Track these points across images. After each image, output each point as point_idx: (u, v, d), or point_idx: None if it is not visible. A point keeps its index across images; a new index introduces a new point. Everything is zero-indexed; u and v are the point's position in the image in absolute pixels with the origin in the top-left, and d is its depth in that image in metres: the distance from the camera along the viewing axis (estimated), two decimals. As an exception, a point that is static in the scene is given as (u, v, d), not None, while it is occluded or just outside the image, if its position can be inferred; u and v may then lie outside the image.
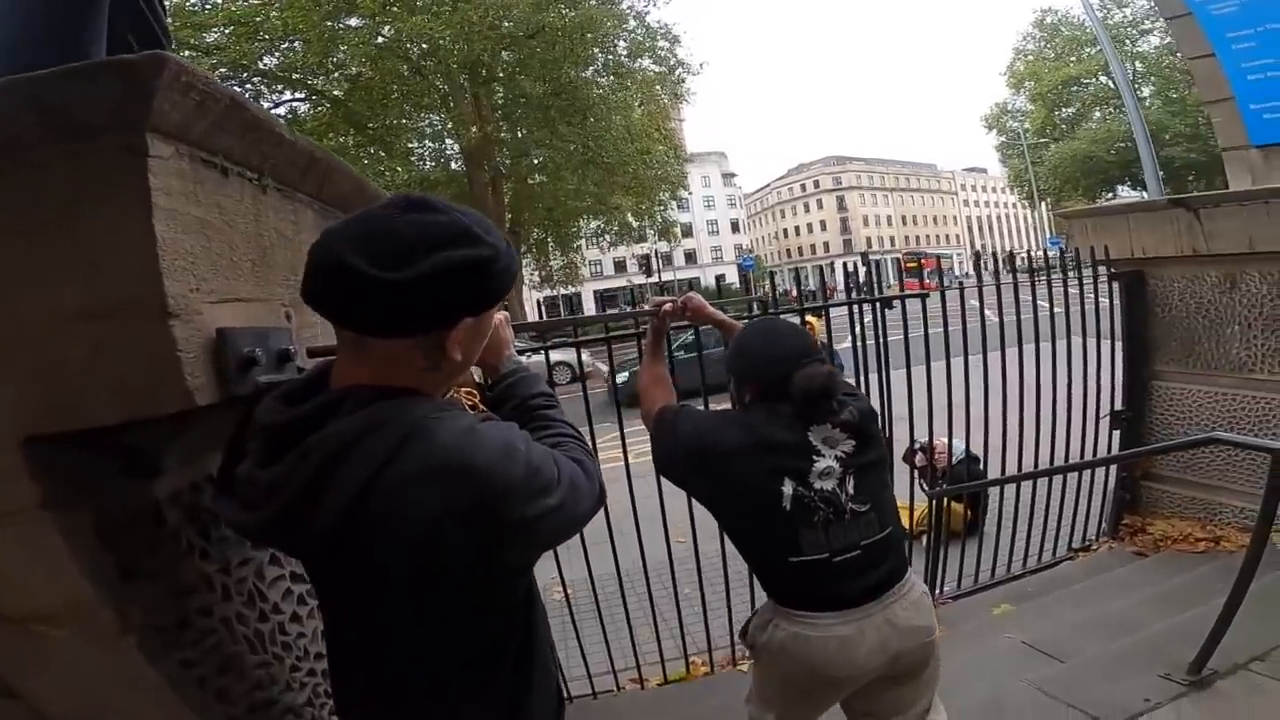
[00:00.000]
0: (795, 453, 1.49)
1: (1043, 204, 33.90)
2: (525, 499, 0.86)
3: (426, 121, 19.27)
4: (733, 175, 70.68)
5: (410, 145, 18.99)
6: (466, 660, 0.96)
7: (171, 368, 0.92)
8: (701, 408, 1.91)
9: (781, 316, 2.85)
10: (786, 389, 1.49)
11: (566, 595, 2.89)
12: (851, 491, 1.49)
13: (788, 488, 1.47)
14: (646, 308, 1.98)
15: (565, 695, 1.24)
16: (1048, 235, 33.40)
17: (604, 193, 19.11)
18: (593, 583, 2.87)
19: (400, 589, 0.87)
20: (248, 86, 15.75)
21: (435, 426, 0.84)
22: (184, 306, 0.94)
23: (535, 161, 19.41)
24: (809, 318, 3.09)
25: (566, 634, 2.95)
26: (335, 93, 17.26)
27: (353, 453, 0.81)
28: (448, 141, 19.82)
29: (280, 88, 17.33)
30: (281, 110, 16.92)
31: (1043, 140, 30.82)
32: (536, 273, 25.21)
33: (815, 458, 1.48)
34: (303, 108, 17.71)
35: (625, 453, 2.68)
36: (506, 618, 0.99)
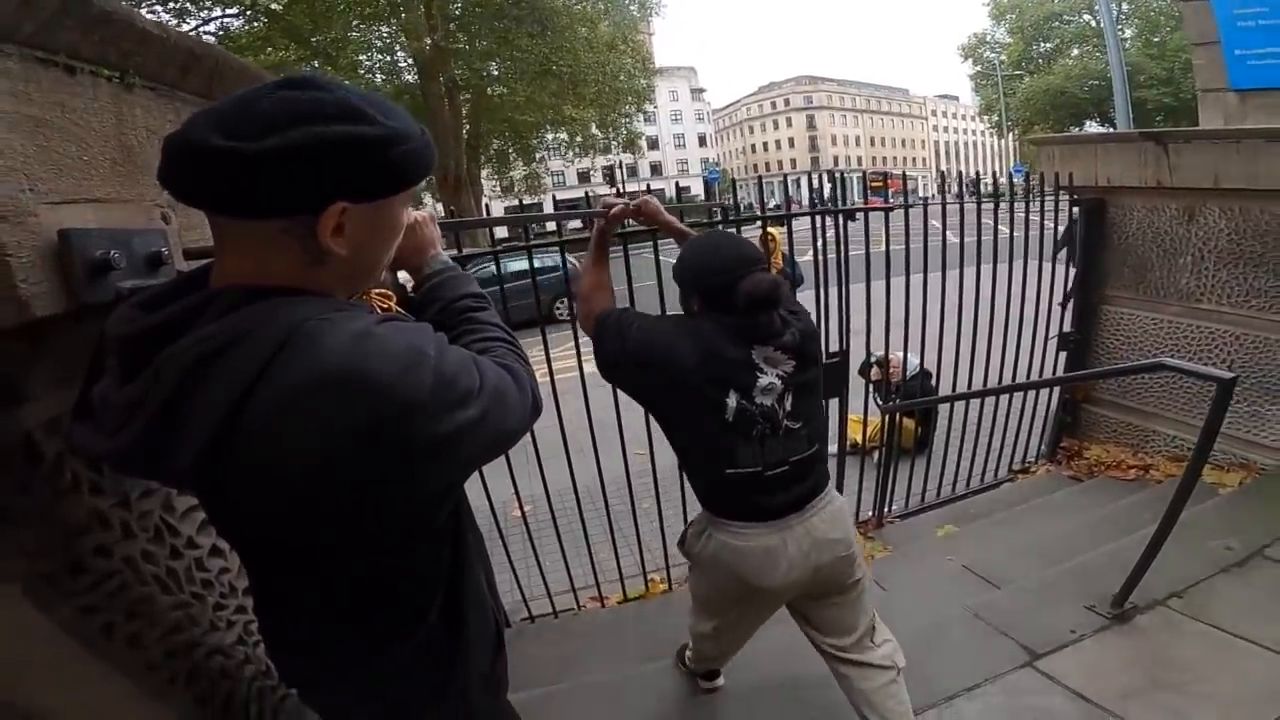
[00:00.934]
0: (740, 367, 1.51)
1: (1010, 134, 34.04)
2: (436, 414, 0.72)
3: (375, 33, 18.03)
4: (702, 91, 69.07)
5: (357, 58, 17.78)
6: (391, 598, 0.89)
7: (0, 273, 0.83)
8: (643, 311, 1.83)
9: (735, 229, 2.80)
10: (732, 298, 1.49)
11: (523, 512, 2.84)
12: (788, 409, 1.54)
13: (732, 400, 1.50)
14: (598, 208, 1.86)
15: (506, 624, 1.19)
16: (1013, 163, 33.66)
17: (565, 105, 18.41)
18: (549, 500, 2.80)
19: (297, 527, 0.77)
20: (171, 4, 14.43)
21: (319, 331, 0.69)
22: (11, 208, 0.85)
23: (494, 72, 18.47)
24: (772, 229, 3.03)
25: (526, 553, 2.92)
26: (273, 6, 15.92)
27: (215, 366, 0.68)
28: (400, 54, 18.66)
29: (208, 4, 15.81)
30: (211, 28, 15.65)
31: (1018, 73, 31.06)
32: (497, 183, 24.49)
33: (759, 374, 1.52)
34: (236, 23, 16.34)
35: (581, 363, 2.60)
36: (431, 549, 0.91)
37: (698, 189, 49.95)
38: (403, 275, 1.18)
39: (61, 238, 0.91)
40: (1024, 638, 2.28)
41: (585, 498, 2.89)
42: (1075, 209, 4.00)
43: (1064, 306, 4.11)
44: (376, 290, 1.15)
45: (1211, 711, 1.91)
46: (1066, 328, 4.17)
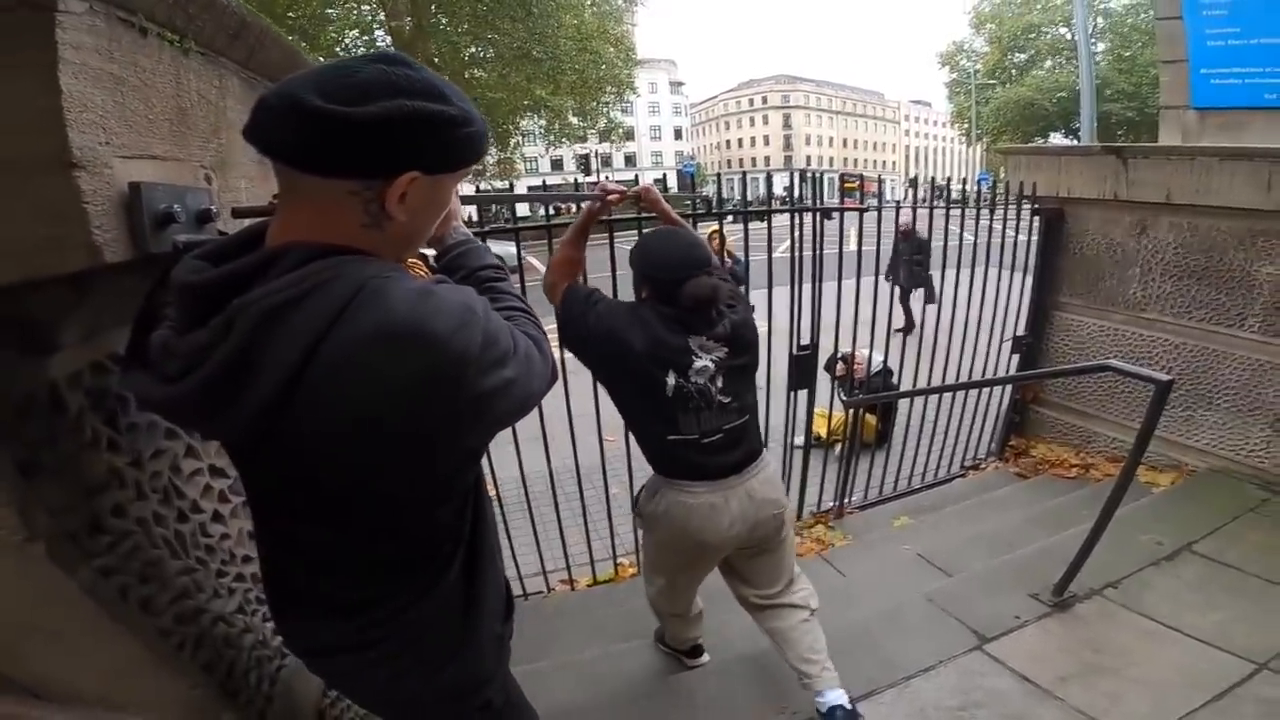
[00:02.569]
0: (679, 352, 1.73)
1: (979, 143, 34.63)
2: (483, 370, 0.78)
3: (356, 12, 17.59)
4: (681, 84, 68.95)
5: (335, 36, 17.32)
6: (417, 555, 0.92)
7: (77, 220, 0.86)
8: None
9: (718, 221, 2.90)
10: (676, 295, 1.71)
11: (498, 494, 2.87)
12: (720, 386, 1.76)
13: (670, 378, 1.72)
14: (596, 190, 1.94)
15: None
16: (979, 171, 34.31)
17: (543, 91, 18.15)
18: (524, 482, 2.84)
19: (346, 475, 0.80)
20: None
21: (385, 287, 0.74)
22: (92, 159, 0.88)
23: (474, 53, 18.14)
24: (712, 226, 3.13)
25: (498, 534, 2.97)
26: None
27: (291, 316, 0.72)
28: (378, 32, 18.20)
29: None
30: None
31: (991, 82, 31.31)
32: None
33: (694, 358, 1.74)
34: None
35: (561, 352, 2.65)
36: (459, 507, 0.95)
37: (672, 181, 49.98)
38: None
39: (132, 189, 0.95)
40: (974, 622, 2.41)
41: (558, 482, 2.94)
42: (1037, 218, 4.17)
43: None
44: (409, 260, 1.20)
45: (1143, 695, 2.04)
46: (1021, 331, 4.34)
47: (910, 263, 6.21)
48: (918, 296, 6.52)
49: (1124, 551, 2.72)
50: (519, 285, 2.00)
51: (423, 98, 0.75)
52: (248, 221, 1.07)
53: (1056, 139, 27.70)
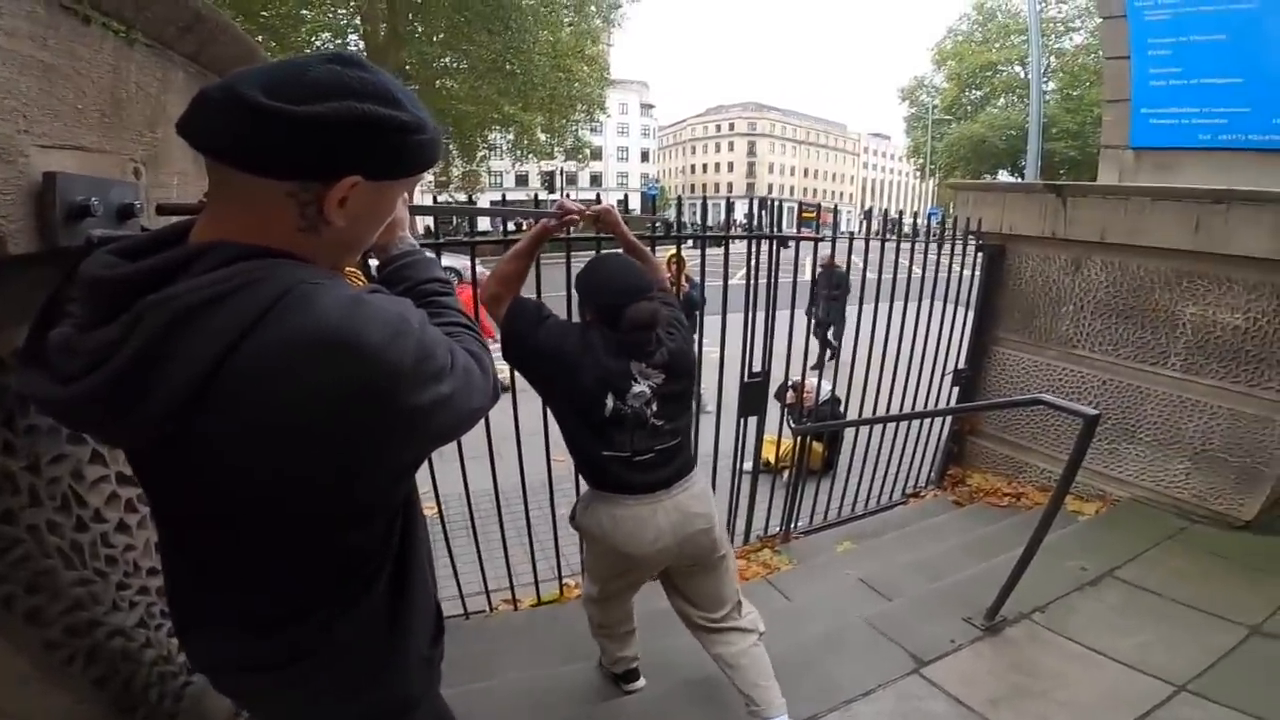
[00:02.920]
0: (618, 376, 1.79)
1: (932, 178, 35.69)
2: (416, 384, 0.74)
3: (330, 14, 17.38)
4: (652, 106, 69.38)
5: (307, 37, 17.06)
6: (336, 575, 0.87)
7: None
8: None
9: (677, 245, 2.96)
10: (618, 318, 1.77)
11: (440, 512, 2.83)
12: (655, 410, 1.83)
13: (609, 400, 1.79)
14: (554, 207, 1.95)
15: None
16: (932, 205, 35.37)
17: (512, 107, 18.12)
18: (469, 499, 2.82)
19: (259, 490, 0.75)
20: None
21: (315, 292, 0.70)
22: (5, 146, 0.86)
23: (446, 63, 18.06)
24: (671, 250, 3.18)
25: (439, 552, 2.85)
26: None
27: (209, 315, 0.67)
28: (351, 36, 17.99)
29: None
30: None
31: (948, 118, 32.10)
32: (433, 178, 23.91)
33: (633, 383, 1.80)
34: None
35: (513, 373, 2.64)
36: (386, 524, 0.90)
37: (634, 203, 50.33)
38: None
39: (47, 179, 0.92)
40: (912, 646, 2.47)
41: (504, 501, 2.90)
42: (980, 253, 4.32)
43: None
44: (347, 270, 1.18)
45: (1070, 718, 2.12)
46: (961, 365, 4.48)
47: (828, 297, 6.29)
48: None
49: (1052, 577, 2.81)
50: (473, 298, 2.01)
51: (373, 100, 0.73)
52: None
53: (1004, 176, 28.65)
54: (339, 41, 17.84)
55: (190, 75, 1.37)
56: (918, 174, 40.91)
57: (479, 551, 2.98)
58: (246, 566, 0.83)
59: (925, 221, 4.34)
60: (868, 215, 4.10)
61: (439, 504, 2.80)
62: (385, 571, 0.91)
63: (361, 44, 17.49)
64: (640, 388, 1.81)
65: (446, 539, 2.86)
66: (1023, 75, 28.65)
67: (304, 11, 16.33)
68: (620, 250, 2.05)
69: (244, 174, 0.71)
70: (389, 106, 0.74)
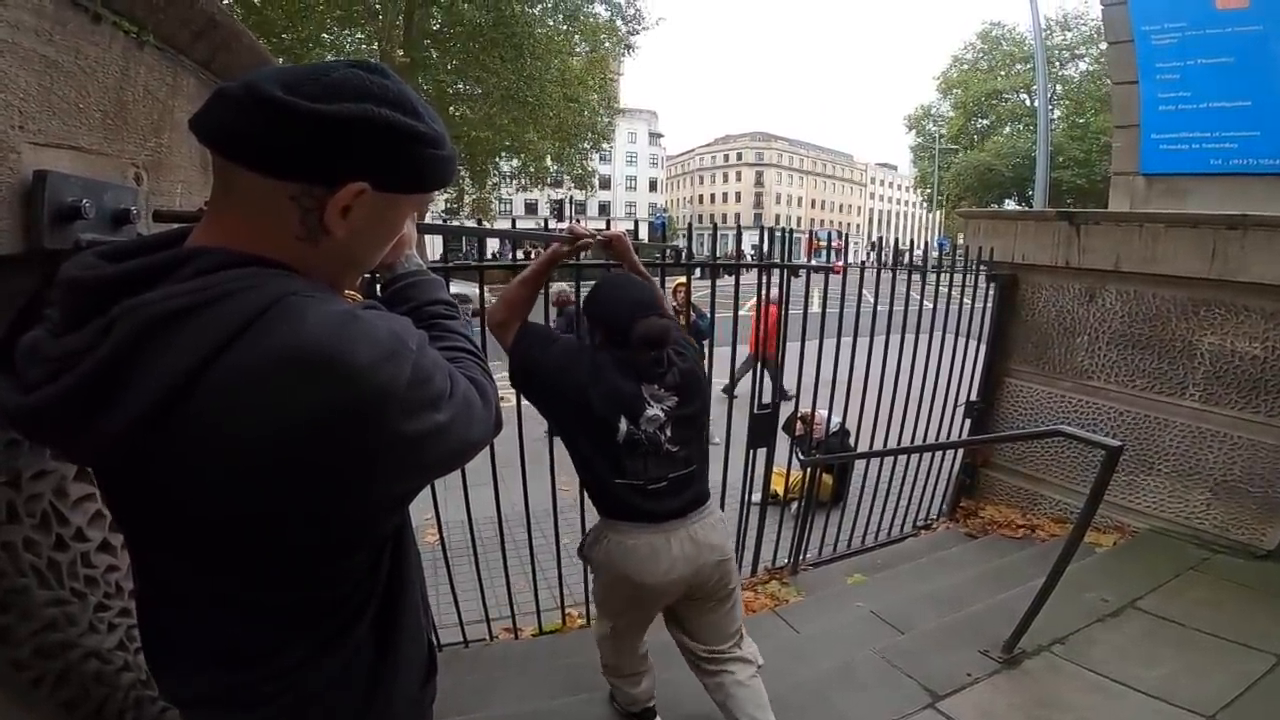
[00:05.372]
0: (631, 400, 1.76)
1: (940, 208, 35.71)
2: (409, 410, 0.69)
3: (349, 38, 17.77)
4: (660, 135, 70.38)
5: (325, 59, 17.42)
6: (313, 611, 0.80)
7: None
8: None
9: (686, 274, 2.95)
10: (628, 336, 1.74)
11: (442, 538, 2.78)
12: (669, 435, 1.79)
13: (623, 425, 1.74)
14: (563, 231, 1.92)
15: (436, 647, 1.10)
16: (939, 235, 35.44)
17: (524, 133, 18.38)
18: (471, 526, 2.76)
19: (228, 518, 0.68)
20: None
21: (303, 305, 0.65)
22: None
23: (461, 90, 18.38)
24: (679, 278, 3.15)
25: (439, 579, 2.86)
26: None
27: (181, 327, 0.62)
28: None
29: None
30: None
31: (954, 147, 32.19)
32: (445, 204, 24.21)
33: (646, 406, 1.76)
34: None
35: (518, 397, 2.60)
36: (372, 557, 0.83)
37: (643, 233, 50.76)
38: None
39: (37, 178, 0.88)
40: (926, 680, 2.41)
41: (507, 528, 2.85)
42: (992, 284, 4.28)
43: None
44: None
45: (1091, 751, 2.04)
46: (974, 397, 4.43)
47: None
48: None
49: (1071, 609, 2.75)
50: (479, 326, 1.98)
51: (392, 107, 0.70)
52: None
53: (1011, 205, 28.70)
54: (356, 67, 18.10)
55: (201, 82, 1.35)
56: (925, 204, 41.00)
57: (480, 579, 2.93)
58: (215, 596, 0.77)
59: (935, 251, 4.30)
60: (875, 246, 4.08)
61: (441, 530, 2.76)
62: (370, 608, 0.84)
63: (381, 71, 17.78)
64: (654, 411, 1.77)
65: (448, 566, 2.80)
66: (1029, 103, 28.91)
67: (323, 35, 16.68)
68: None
69: (249, 173, 0.68)
70: (408, 116, 0.72)
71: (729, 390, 3.55)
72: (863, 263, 3.82)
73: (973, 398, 4.43)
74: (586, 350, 1.83)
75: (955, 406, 4.26)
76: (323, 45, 16.97)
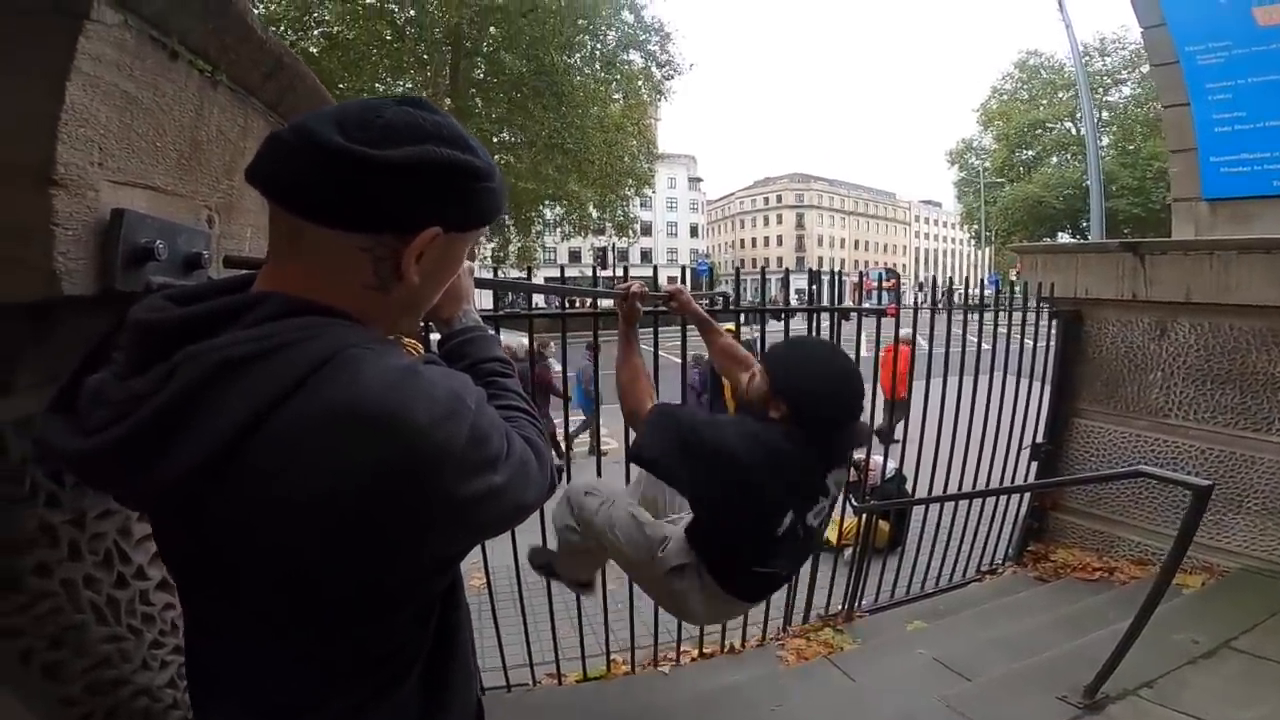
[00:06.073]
0: (807, 493, 1.53)
1: (989, 245, 34.99)
2: (465, 471, 0.66)
3: (401, 88, 18.73)
4: (699, 180, 71.32)
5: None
6: (362, 663, 0.77)
7: (41, 242, 0.78)
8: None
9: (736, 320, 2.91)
10: (829, 431, 1.50)
11: (489, 580, 2.75)
12: (821, 521, 1.60)
13: (787, 519, 1.49)
14: (619, 288, 1.88)
15: (480, 691, 1.06)
16: (989, 273, 34.74)
17: (567, 180, 18.88)
18: (518, 570, 2.70)
19: (281, 565, 0.66)
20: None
21: (363, 358, 0.64)
22: (77, 177, 0.81)
23: (505, 138, 19.06)
24: (728, 325, 3.14)
25: (484, 623, 2.80)
26: (311, 49, 16.50)
27: (240, 374, 0.61)
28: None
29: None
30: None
31: (999, 180, 31.68)
32: (490, 253, 24.90)
33: (821, 498, 1.55)
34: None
35: (563, 442, 2.58)
36: (420, 615, 0.81)
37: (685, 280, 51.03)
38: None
39: (114, 217, 0.87)
40: (998, 728, 2.26)
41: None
42: (1054, 321, 4.14)
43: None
44: (406, 341, 1.06)
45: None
46: (1039, 438, 4.25)
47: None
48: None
49: (1158, 652, 2.57)
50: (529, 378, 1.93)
51: (450, 145, 0.69)
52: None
53: (1064, 238, 27.98)
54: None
55: (270, 124, 1.36)
56: (972, 240, 40.34)
57: (525, 622, 2.89)
58: (262, 644, 0.75)
59: (989, 288, 4.17)
60: (923, 287, 3.98)
61: (488, 575, 2.73)
62: (419, 662, 0.82)
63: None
64: (823, 503, 1.56)
65: (493, 608, 2.77)
66: (1074, 131, 28.28)
67: (377, 85, 17.57)
68: (824, 337, 1.94)
69: (316, 226, 0.66)
70: (464, 151, 0.70)
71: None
72: (916, 303, 3.74)
73: (1038, 439, 4.25)
74: (759, 429, 1.52)
75: (1020, 449, 4.10)
76: (376, 94, 17.92)
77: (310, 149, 0.63)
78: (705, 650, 3.21)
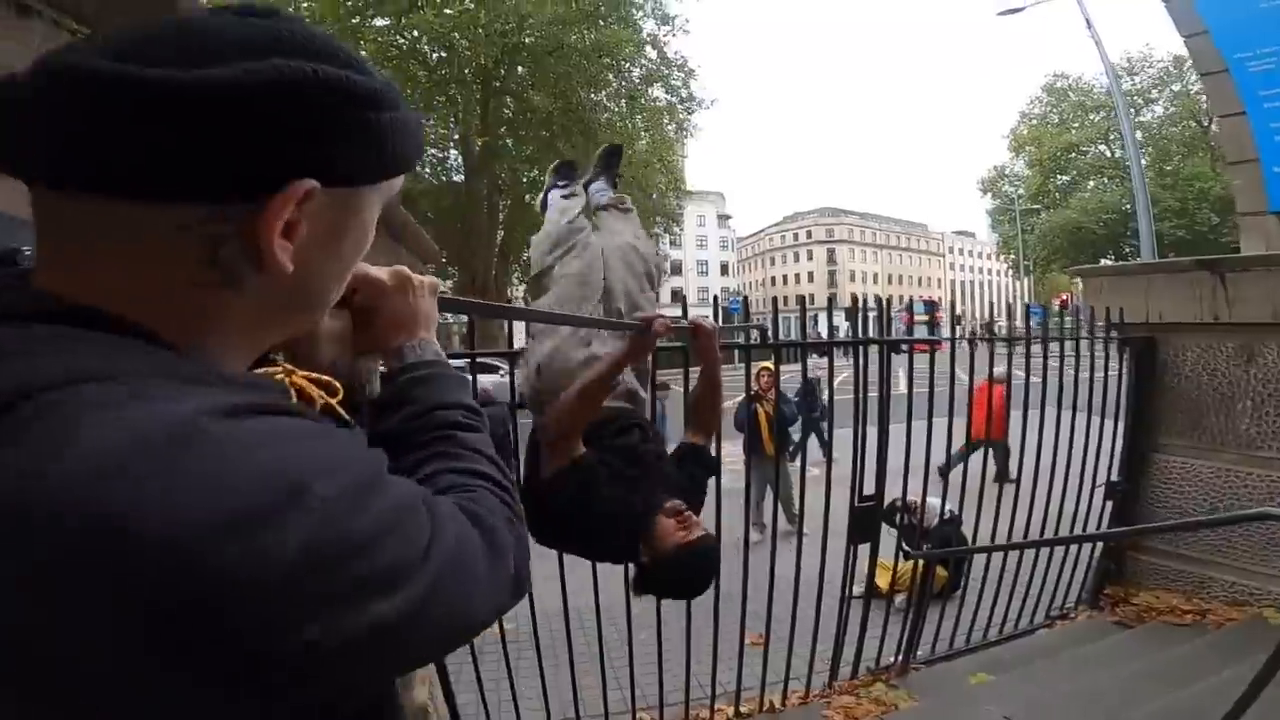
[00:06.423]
0: None
1: (1028, 275, 34.25)
2: (298, 606, 0.38)
3: (432, 129, 19.28)
4: (728, 217, 71.72)
5: None
6: None
7: None
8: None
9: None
10: None
11: (502, 632, 2.51)
12: None
13: None
14: (637, 318, 1.68)
15: None
16: (1029, 303, 33.96)
17: (611, 223, 19.14)
18: (534, 621, 2.50)
19: None
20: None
21: (96, 405, 0.36)
22: None
23: (537, 176, 19.42)
24: (768, 364, 2.98)
25: (500, 674, 2.66)
26: None
27: None
28: (451, 151, 19.83)
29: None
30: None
31: (1035, 207, 31.23)
32: (523, 292, 25.23)
33: None
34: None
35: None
36: None
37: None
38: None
39: None
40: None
41: (574, 621, 2.61)
42: (1124, 349, 3.88)
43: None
44: (307, 374, 0.70)
45: None
46: (1113, 476, 3.99)
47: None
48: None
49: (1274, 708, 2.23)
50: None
51: (314, 58, 0.44)
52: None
53: (1106, 264, 27.39)
54: (439, 154, 19.57)
55: None
56: (1009, 271, 39.50)
57: (543, 678, 2.68)
58: None
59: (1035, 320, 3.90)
60: (958, 319, 3.74)
61: (501, 626, 2.49)
62: None
63: (460, 158, 19.22)
64: None
65: (507, 661, 2.59)
66: (1109, 154, 27.76)
67: None
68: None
69: (99, 198, 0.42)
70: (343, 68, 0.46)
71: (944, 471, 3.18)
72: (972, 335, 3.52)
73: (1112, 477, 3.97)
74: None
75: (1094, 487, 3.83)
76: None
77: (64, 87, 0.40)
78: (742, 710, 3.02)
